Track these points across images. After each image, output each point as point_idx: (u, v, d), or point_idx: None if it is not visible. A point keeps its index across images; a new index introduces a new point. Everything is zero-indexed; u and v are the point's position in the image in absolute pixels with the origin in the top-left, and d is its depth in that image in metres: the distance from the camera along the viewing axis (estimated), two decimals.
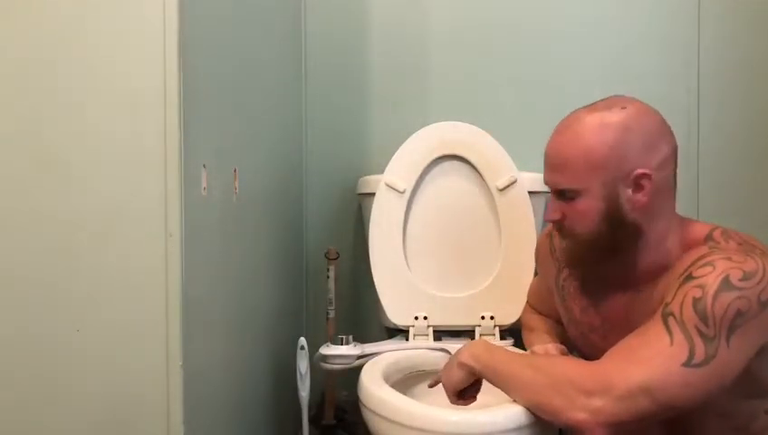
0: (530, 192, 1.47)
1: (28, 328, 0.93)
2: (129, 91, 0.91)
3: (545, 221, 1.06)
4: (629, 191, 0.98)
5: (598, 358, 1.05)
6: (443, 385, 1.11)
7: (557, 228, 1.07)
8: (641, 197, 0.98)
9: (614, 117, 0.98)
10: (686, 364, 0.87)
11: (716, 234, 0.99)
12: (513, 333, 1.46)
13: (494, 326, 1.44)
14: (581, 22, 1.69)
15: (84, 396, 0.93)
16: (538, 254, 1.29)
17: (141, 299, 0.92)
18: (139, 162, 0.91)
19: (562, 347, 1.15)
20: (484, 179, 1.47)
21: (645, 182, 0.98)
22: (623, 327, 1.03)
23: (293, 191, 1.70)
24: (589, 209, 1.00)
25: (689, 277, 0.91)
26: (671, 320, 0.90)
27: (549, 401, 0.93)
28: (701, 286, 0.89)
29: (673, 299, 0.91)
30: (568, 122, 1.02)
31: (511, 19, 1.71)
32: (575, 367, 0.94)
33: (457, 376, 1.07)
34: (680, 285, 0.92)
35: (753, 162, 1.65)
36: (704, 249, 0.95)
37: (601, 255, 1.03)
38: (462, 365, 1.06)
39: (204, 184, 1.01)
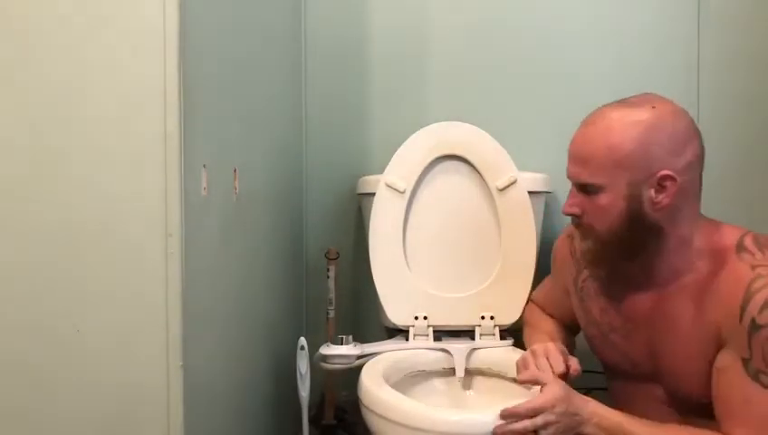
0: (530, 192, 1.46)
1: (28, 328, 0.93)
2: (128, 91, 0.91)
3: (563, 214, 1.06)
4: (652, 192, 0.98)
5: (618, 359, 1.10)
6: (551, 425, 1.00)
7: (575, 224, 1.06)
8: (664, 198, 0.98)
9: (643, 115, 0.98)
10: None
11: (747, 242, 0.98)
12: (513, 333, 1.46)
13: (494, 326, 1.44)
14: (582, 21, 1.69)
15: (84, 396, 0.93)
16: (556, 254, 1.28)
17: (141, 299, 0.92)
18: (138, 162, 0.91)
19: (563, 347, 1.15)
20: (484, 179, 1.47)
21: (669, 184, 0.97)
22: (645, 327, 1.06)
23: (294, 191, 1.70)
24: (610, 206, 0.99)
25: (756, 326, 0.92)
26: (763, 377, 0.92)
27: None
28: None
29: (752, 355, 0.92)
30: (596, 116, 1.01)
31: (511, 19, 1.71)
32: None
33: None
34: (750, 336, 0.92)
35: (753, 160, 1.65)
36: (747, 272, 0.94)
37: (620, 254, 1.03)
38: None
39: (204, 184, 1.01)
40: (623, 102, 1.02)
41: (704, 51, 1.65)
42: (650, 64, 1.66)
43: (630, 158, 0.97)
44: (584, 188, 1.01)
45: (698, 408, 1.01)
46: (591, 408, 1.01)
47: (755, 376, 0.92)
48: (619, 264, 1.05)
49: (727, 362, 0.95)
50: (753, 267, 0.94)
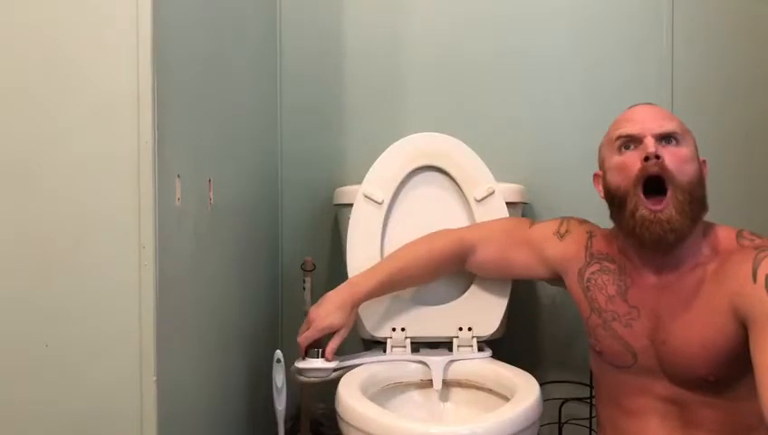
0: (507, 203, 1.47)
1: None
2: (101, 100, 0.90)
3: (647, 156, 1.07)
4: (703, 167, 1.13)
5: (619, 349, 1.17)
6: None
7: (653, 182, 1.07)
8: (705, 174, 1.13)
9: None
10: None
11: (745, 233, 1.10)
12: (491, 344, 1.46)
13: (472, 338, 1.44)
14: (557, 36, 1.70)
15: (54, 413, 0.91)
16: (570, 243, 1.27)
17: (114, 312, 0.90)
18: (111, 172, 0.90)
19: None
20: (462, 190, 1.47)
21: (705, 168, 1.13)
22: (649, 314, 1.13)
23: (269, 202, 1.68)
24: (691, 157, 1.10)
25: None
26: None
27: None
28: None
29: None
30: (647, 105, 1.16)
31: (488, 32, 1.71)
32: None
33: None
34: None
35: (726, 172, 1.67)
36: (751, 250, 1.03)
37: (696, 214, 1.08)
38: None
39: (178, 194, 1.00)
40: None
41: (677, 71, 1.67)
42: (625, 78, 1.67)
43: (690, 132, 1.13)
44: (668, 138, 1.10)
45: (700, 391, 1.07)
46: None
47: None
48: (689, 232, 1.08)
49: (760, 327, 0.95)
50: (756, 247, 1.04)
